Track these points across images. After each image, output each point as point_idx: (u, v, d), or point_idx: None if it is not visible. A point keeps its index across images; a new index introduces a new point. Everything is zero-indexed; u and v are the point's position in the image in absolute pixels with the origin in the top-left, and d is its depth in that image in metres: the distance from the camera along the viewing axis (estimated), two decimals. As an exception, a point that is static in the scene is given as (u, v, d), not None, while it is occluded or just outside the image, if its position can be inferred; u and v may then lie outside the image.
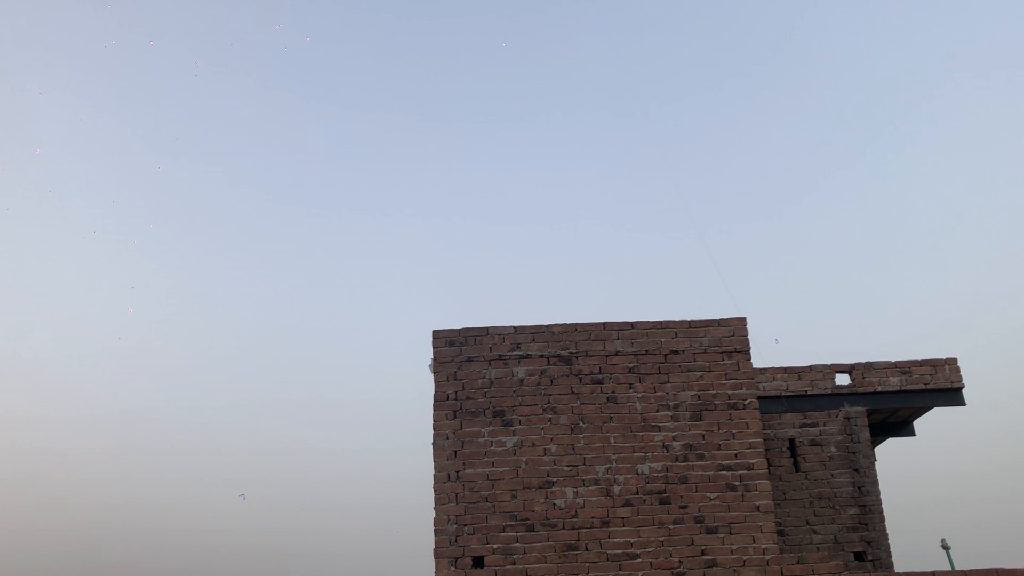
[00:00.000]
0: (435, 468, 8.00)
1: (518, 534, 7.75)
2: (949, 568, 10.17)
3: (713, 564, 7.62)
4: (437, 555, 7.72)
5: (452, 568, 7.66)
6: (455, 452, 8.04)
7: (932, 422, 11.06)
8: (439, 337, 8.47)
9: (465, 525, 7.79)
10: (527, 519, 7.80)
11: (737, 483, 7.89)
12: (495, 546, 7.72)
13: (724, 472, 7.93)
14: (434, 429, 8.15)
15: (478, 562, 7.68)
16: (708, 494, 7.85)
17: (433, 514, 7.86)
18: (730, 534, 7.73)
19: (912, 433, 11.18)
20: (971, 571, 7.63)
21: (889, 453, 11.83)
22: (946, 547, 12.00)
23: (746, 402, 8.17)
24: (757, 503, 7.83)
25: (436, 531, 7.79)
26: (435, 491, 7.93)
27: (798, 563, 7.63)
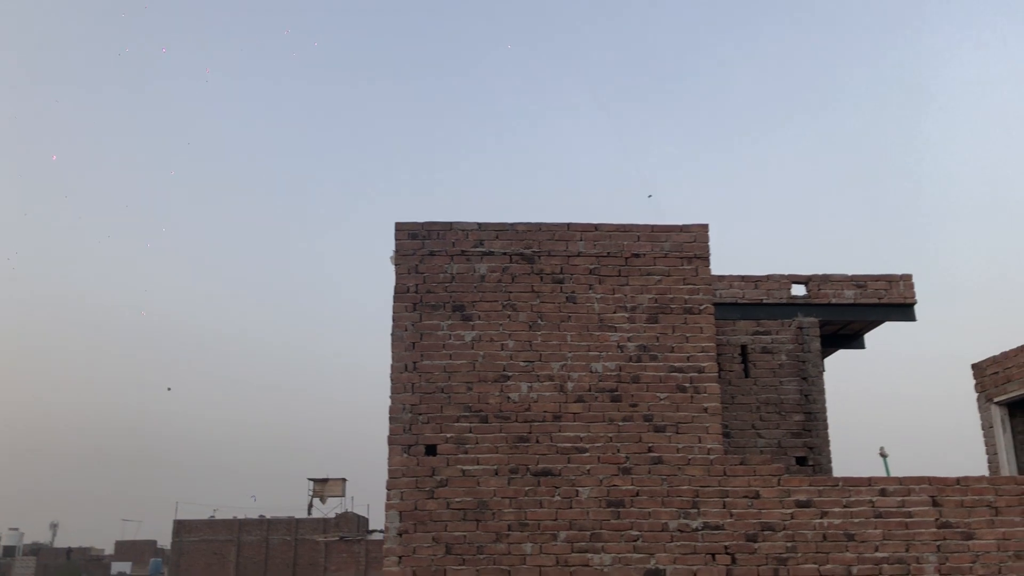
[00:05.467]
0: (392, 358, 8.08)
1: (471, 425, 7.92)
2: (885, 475, 10.61)
3: (659, 461, 7.87)
4: (391, 442, 7.88)
5: (405, 455, 7.83)
6: (413, 344, 8.11)
7: (882, 337, 11.35)
8: (402, 229, 8.43)
9: (420, 414, 7.94)
10: (481, 411, 7.96)
11: (687, 385, 8.08)
12: (448, 435, 7.89)
13: (675, 374, 8.10)
14: (393, 321, 8.19)
15: (431, 450, 7.85)
16: (658, 394, 8.05)
17: (389, 403, 7.99)
18: (677, 433, 7.96)
19: (862, 346, 11.46)
20: (905, 478, 7.96)
21: (838, 364, 12.15)
22: (884, 455, 12.49)
23: (702, 307, 8.29)
24: (705, 405, 8.04)
25: (391, 419, 7.93)
26: (392, 380, 8.03)
27: (741, 464, 7.91)
